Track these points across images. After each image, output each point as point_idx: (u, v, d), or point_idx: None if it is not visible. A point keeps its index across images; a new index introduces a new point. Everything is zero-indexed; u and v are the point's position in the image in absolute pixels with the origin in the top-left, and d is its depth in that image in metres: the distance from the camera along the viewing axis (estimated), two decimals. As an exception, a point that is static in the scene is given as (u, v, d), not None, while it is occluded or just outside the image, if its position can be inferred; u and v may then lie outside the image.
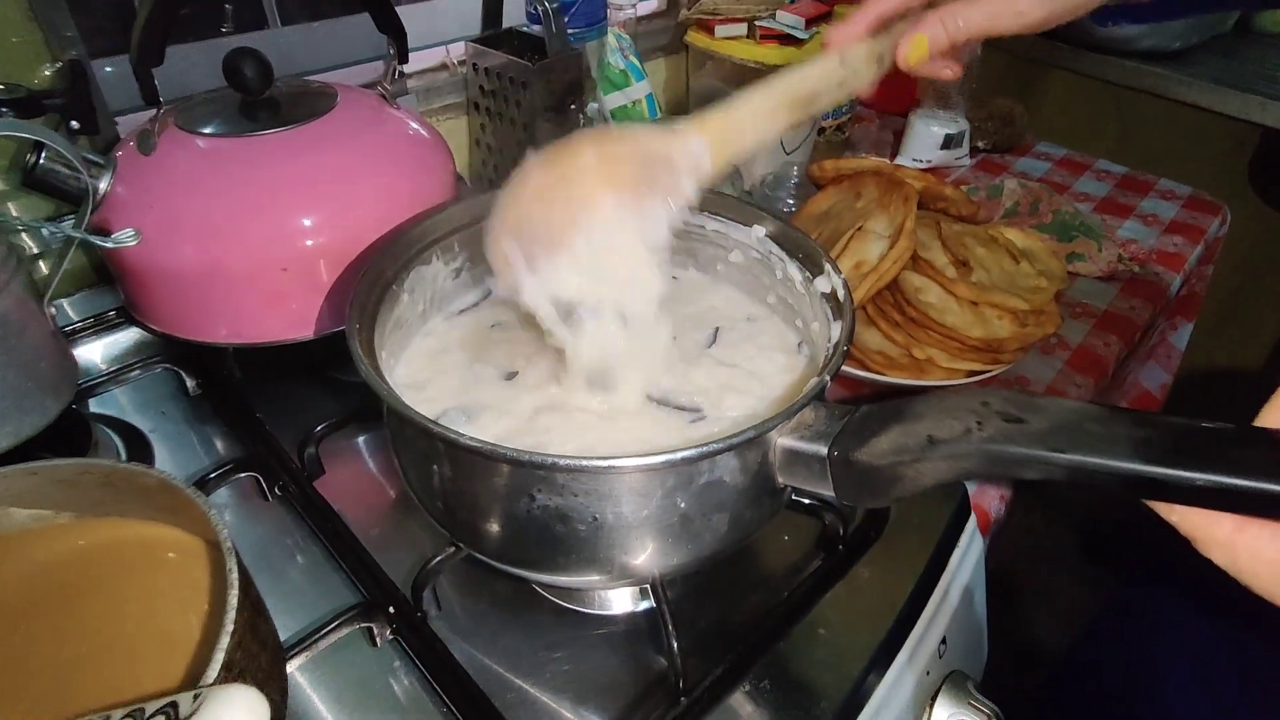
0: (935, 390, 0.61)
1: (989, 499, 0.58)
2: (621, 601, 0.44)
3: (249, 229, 0.50)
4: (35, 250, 0.57)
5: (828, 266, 0.42)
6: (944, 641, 0.45)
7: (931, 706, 0.43)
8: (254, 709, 0.20)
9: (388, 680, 0.40)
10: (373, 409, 0.54)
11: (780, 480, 0.35)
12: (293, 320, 0.53)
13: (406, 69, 0.64)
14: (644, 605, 0.44)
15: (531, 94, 0.82)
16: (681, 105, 1.14)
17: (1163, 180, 1.16)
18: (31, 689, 0.28)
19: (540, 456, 0.30)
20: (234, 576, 0.27)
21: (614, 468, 0.30)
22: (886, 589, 0.44)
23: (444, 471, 0.34)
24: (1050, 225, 0.98)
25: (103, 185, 0.47)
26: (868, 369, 0.66)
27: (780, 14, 1.01)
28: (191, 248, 0.49)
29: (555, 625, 0.43)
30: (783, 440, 0.34)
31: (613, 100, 0.98)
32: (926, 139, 1.17)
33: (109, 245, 0.44)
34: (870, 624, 0.42)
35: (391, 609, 0.40)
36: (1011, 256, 0.80)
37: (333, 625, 0.39)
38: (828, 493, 0.34)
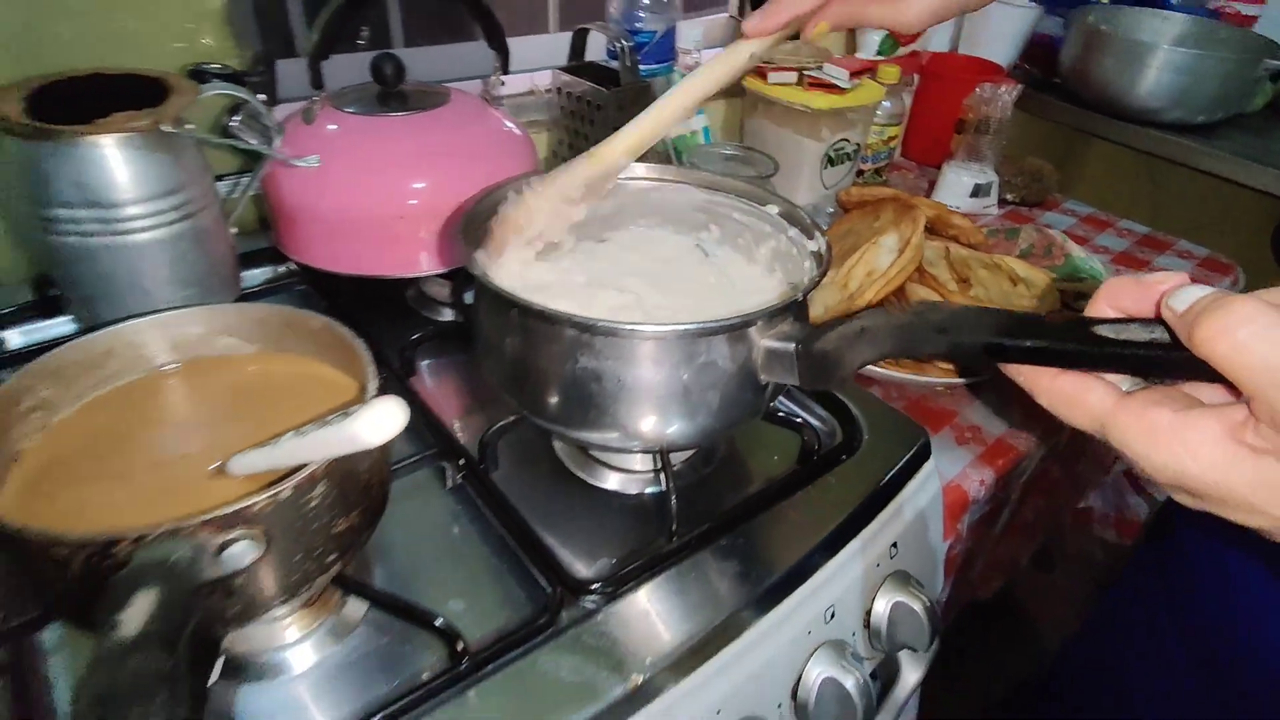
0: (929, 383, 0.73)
1: (970, 482, 0.68)
2: (634, 484, 0.56)
3: (376, 184, 0.65)
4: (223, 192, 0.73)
5: (816, 234, 0.54)
6: (895, 546, 0.55)
7: (878, 593, 0.54)
8: (400, 408, 0.33)
9: (450, 521, 0.52)
10: (452, 334, 0.69)
11: (761, 376, 0.47)
12: (401, 260, 0.68)
13: (502, 90, 0.79)
14: (650, 490, 0.56)
15: (605, 116, 0.98)
16: (734, 137, 1.29)
17: (1182, 241, 1.25)
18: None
19: (583, 318, 0.43)
20: (372, 381, 0.40)
21: (636, 330, 0.43)
22: (847, 494, 0.55)
23: (514, 340, 0.47)
24: (1061, 267, 1.08)
25: (276, 143, 0.63)
26: (877, 365, 0.77)
27: (827, 66, 1.15)
28: (333, 194, 0.65)
29: (580, 494, 0.55)
30: (764, 341, 0.46)
31: (676, 130, 1.13)
32: (956, 187, 1.28)
33: (299, 164, 0.59)
34: (830, 517, 0.53)
35: (461, 460, 0.53)
36: (1011, 281, 0.90)
37: (418, 457, 0.52)
38: (794, 381, 0.45)
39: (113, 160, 0.51)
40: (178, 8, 0.71)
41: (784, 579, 0.49)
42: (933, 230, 0.97)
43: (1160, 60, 1.33)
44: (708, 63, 0.53)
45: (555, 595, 0.46)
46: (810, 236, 0.55)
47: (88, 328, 0.57)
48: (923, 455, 0.60)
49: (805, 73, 1.16)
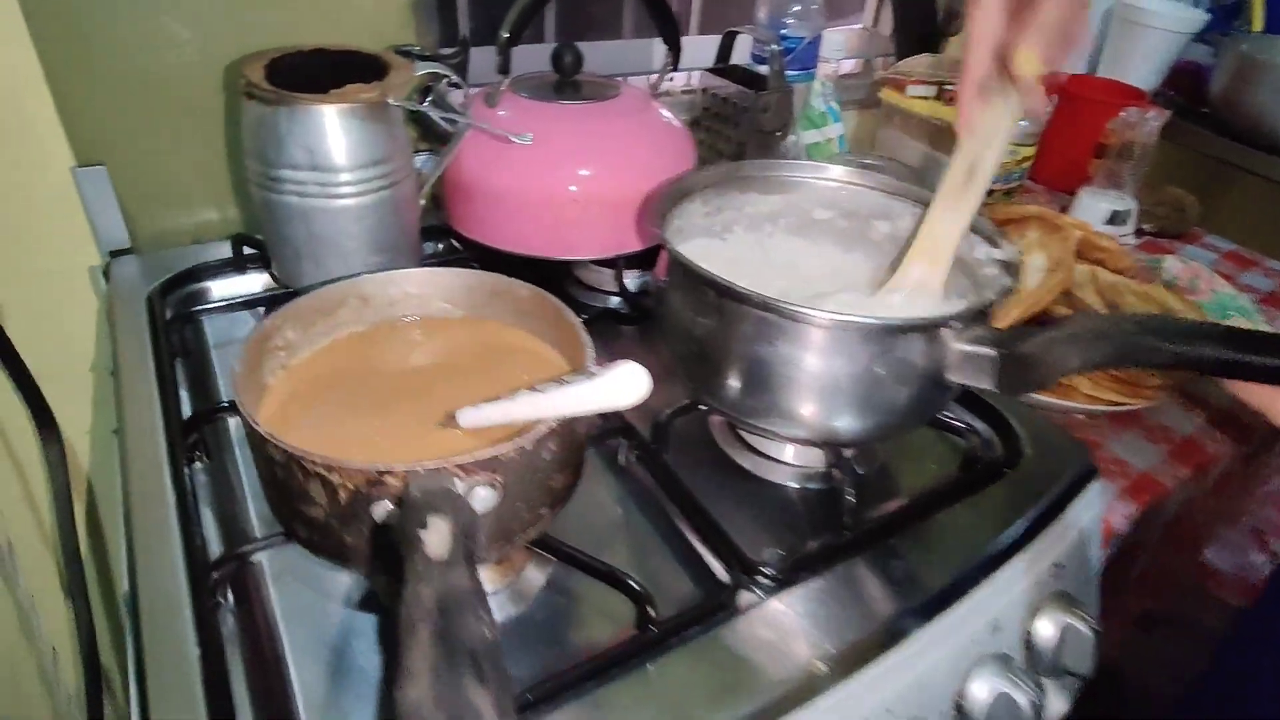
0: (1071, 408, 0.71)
1: (1116, 516, 0.66)
2: (795, 476, 0.57)
3: (551, 166, 0.68)
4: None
5: (1003, 242, 0.54)
6: (1056, 565, 0.55)
7: (1040, 611, 0.53)
8: (645, 374, 0.35)
9: (617, 499, 0.54)
10: (610, 319, 0.71)
11: (950, 378, 0.47)
12: (569, 243, 0.70)
13: (668, 86, 0.82)
14: (811, 485, 0.56)
15: (749, 119, 0.99)
16: (865, 148, 1.29)
17: (1335, 284, 1.18)
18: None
19: (785, 303, 0.44)
20: (589, 348, 0.42)
21: (838, 320, 0.44)
22: (1011, 507, 0.54)
23: (706, 321, 0.49)
24: (1209, 303, 1.03)
25: (468, 121, 0.66)
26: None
27: (969, 82, 1.13)
28: (510, 174, 0.68)
29: (740, 483, 0.56)
30: (958, 344, 0.46)
31: (809, 137, 1.13)
32: (1093, 213, 1.25)
33: (514, 140, 0.62)
34: (994, 528, 0.53)
35: (635, 441, 0.55)
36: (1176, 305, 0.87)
37: (596, 435, 0.54)
38: (990, 384, 0.45)
39: (339, 128, 0.55)
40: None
41: (951, 586, 0.49)
42: (1078, 253, 0.94)
43: (1321, 95, 1.26)
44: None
45: (734, 577, 0.47)
46: (995, 245, 0.55)
47: (287, 287, 0.61)
48: (1087, 475, 0.59)
49: (945, 87, 1.15)
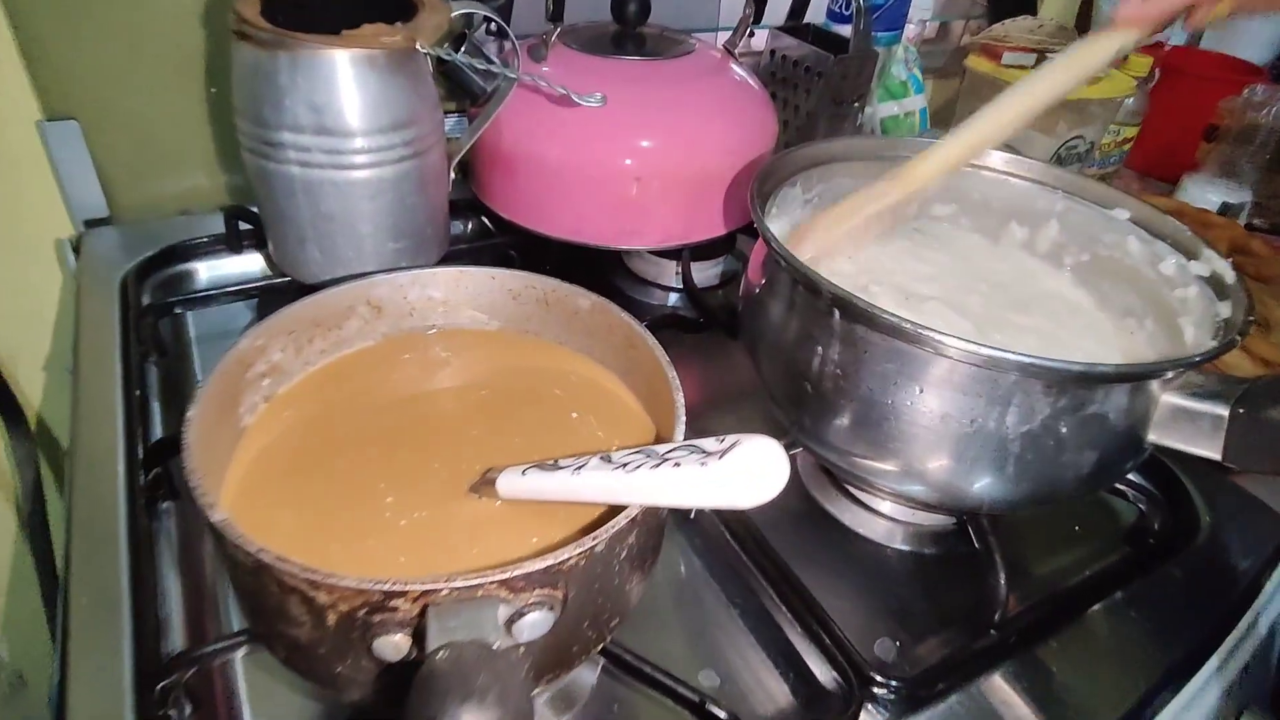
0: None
1: None
2: (909, 536, 0.45)
3: (607, 135, 0.56)
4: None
5: (1206, 251, 0.41)
6: (1246, 670, 0.43)
7: (1230, 728, 0.41)
8: (779, 460, 0.23)
9: (683, 562, 0.43)
10: (673, 323, 0.59)
11: (1150, 436, 0.35)
12: (630, 230, 0.58)
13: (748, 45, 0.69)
14: (929, 551, 0.45)
15: (825, 85, 0.86)
16: (948, 124, 1.14)
17: None
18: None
19: (949, 338, 0.32)
20: (678, 402, 0.31)
21: (1034, 364, 0.31)
22: (1194, 597, 0.42)
23: (830, 352, 0.37)
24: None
25: (505, 77, 0.54)
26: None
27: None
28: (561, 143, 0.56)
29: (841, 540, 0.45)
30: (1168, 397, 0.34)
31: (886, 109, 0.99)
32: (1200, 204, 1.10)
33: (578, 100, 0.50)
34: (1174, 628, 0.41)
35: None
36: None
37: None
38: (1210, 453, 0.33)
39: (353, 80, 0.43)
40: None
41: (1139, 698, 0.38)
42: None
43: None
44: (1060, 58, 0.43)
45: (844, 685, 0.35)
46: (1193, 256, 0.42)
47: (286, 277, 0.50)
48: None
49: (1047, 51, 1.01)
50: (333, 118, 0.43)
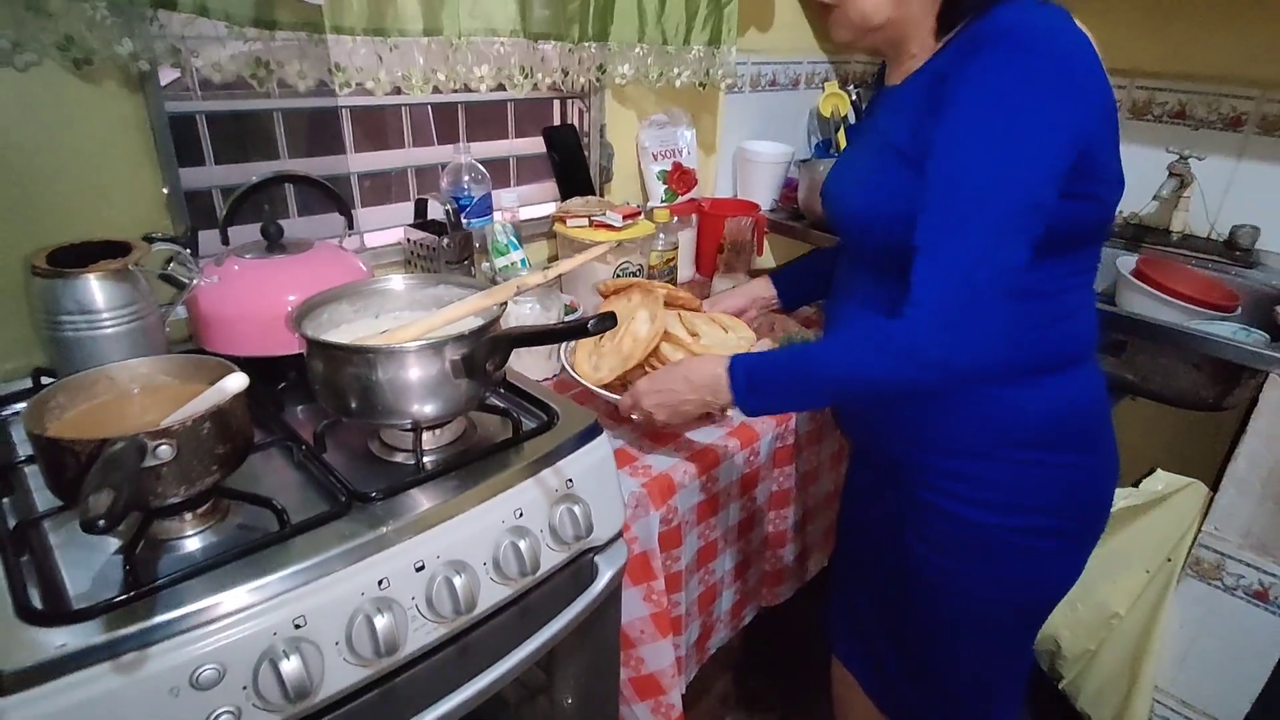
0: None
1: (678, 472, 1.07)
2: (404, 455, 0.93)
3: (262, 297, 1.05)
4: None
5: (496, 307, 0.96)
6: (570, 481, 0.93)
7: (556, 504, 0.91)
8: (242, 378, 0.70)
9: (295, 479, 0.88)
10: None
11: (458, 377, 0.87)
12: (280, 344, 1.06)
13: (370, 241, 1.22)
14: (403, 460, 0.93)
15: (440, 255, 1.41)
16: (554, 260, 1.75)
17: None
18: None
19: (364, 346, 0.82)
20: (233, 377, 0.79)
21: (393, 348, 0.82)
22: (545, 448, 0.93)
23: (323, 366, 0.86)
24: (780, 340, 1.52)
25: (199, 278, 1.03)
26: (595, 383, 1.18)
27: (608, 213, 1.63)
28: (239, 303, 1.04)
29: (374, 462, 0.92)
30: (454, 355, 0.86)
31: (500, 261, 1.57)
32: (720, 288, 1.74)
33: (205, 283, 0.98)
34: (534, 455, 0.91)
35: (304, 445, 0.90)
36: (722, 329, 1.33)
37: (274, 439, 0.89)
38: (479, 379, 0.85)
39: (98, 288, 0.90)
40: (136, 198, 1.13)
41: (486, 482, 0.87)
42: (667, 304, 1.40)
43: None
44: (486, 291, 0.96)
45: (349, 500, 0.82)
46: (502, 305, 0.96)
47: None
48: (597, 430, 0.99)
49: (592, 218, 1.64)
50: (88, 306, 0.89)
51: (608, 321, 0.76)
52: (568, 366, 1.25)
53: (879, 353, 0.85)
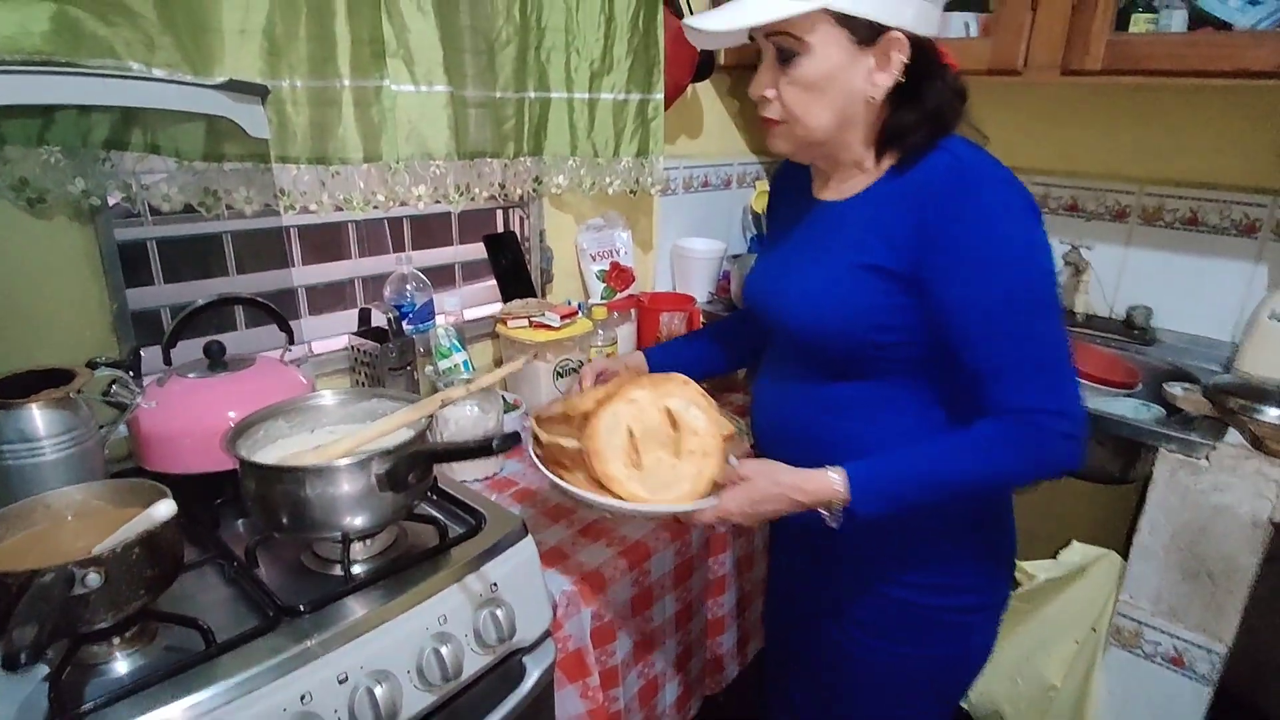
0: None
1: (609, 568, 1.12)
2: (334, 566, 0.97)
3: (203, 416, 1.10)
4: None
5: (417, 424, 1.02)
6: (495, 585, 0.98)
7: (481, 609, 0.95)
8: (170, 505, 0.75)
9: (227, 596, 0.92)
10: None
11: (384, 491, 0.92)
12: (219, 461, 1.11)
13: (316, 349, 1.28)
14: (336, 571, 0.97)
15: (383, 360, 1.48)
16: (496, 363, 1.82)
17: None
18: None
19: (292, 465, 0.87)
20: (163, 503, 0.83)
21: (325, 467, 0.88)
22: (473, 552, 0.98)
23: (256, 485, 0.91)
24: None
25: (139, 400, 1.08)
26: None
27: (547, 314, 1.71)
28: (178, 422, 1.09)
29: (303, 574, 0.96)
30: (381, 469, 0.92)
31: (443, 364, 1.64)
32: (659, 381, 1.81)
33: (145, 406, 1.03)
34: (462, 563, 0.96)
35: (235, 562, 0.94)
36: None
37: (207, 558, 0.92)
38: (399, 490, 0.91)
39: (40, 416, 0.95)
40: (83, 321, 1.19)
41: (412, 590, 0.91)
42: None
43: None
44: (414, 405, 1.03)
45: (277, 615, 0.85)
46: (429, 419, 1.03)
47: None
48: (523, 533, 1.04)
49: (532, 319, 1.72)
50: (31, 434, 0.94)
51: (510, 441, 0.82)
52: (613, 502, 0.97)
53: (1040, 449, 0.92)
